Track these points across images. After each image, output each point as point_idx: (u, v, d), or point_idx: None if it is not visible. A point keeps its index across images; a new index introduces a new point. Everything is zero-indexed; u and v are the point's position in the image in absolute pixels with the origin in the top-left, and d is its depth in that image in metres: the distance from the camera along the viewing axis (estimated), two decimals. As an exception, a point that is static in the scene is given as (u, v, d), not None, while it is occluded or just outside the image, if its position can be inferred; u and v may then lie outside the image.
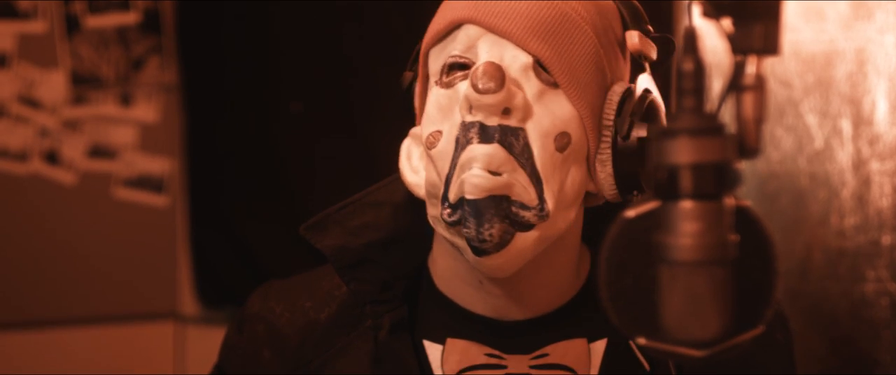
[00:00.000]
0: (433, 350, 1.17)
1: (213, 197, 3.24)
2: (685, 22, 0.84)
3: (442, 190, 1.08)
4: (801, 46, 1.99)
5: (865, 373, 1.93)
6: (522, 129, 1.06)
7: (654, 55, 1.15)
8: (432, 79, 1.14)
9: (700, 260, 0.81)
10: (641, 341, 0.87)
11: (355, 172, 3.05)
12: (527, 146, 1.06)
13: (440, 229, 1.10)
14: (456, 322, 1.17)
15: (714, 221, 0.81)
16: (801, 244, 1.99)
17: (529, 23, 1.08)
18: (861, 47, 1.93)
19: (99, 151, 3.21)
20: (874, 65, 1.91)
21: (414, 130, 1.18)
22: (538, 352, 1.16)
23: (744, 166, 0.84)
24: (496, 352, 1.15)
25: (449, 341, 1.16)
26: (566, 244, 1.15)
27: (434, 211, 1.10)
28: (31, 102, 3.14)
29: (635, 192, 1.10)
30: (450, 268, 1.17)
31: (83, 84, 3.17)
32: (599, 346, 1.18)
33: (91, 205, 3.22)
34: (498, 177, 1.04)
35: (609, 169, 1.09)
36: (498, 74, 1.04)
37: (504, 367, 1.15)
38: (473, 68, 1.06)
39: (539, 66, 1.08)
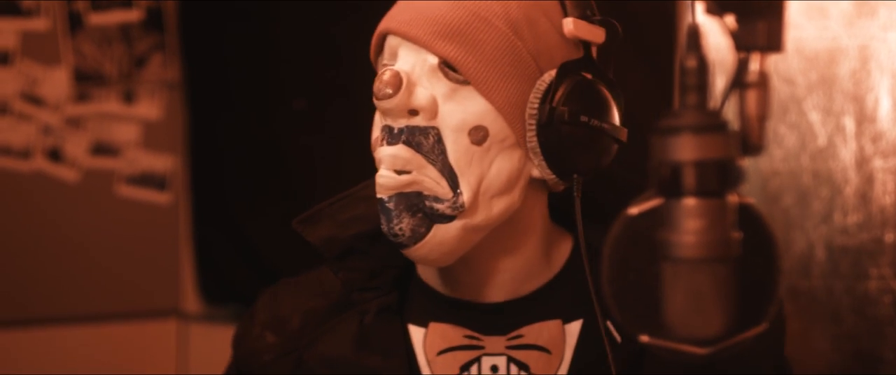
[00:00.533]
0: (417, 334, 1.23)
1: (215, 194, 3.25)
2: (688, 19, 0.84)
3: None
4: (804, 43, 1.98)
5: (868, 371, 1.93)
6: (433, 128, 1.13)
7: (598, 39, 1.18)
8: None
9: (703, 258, 0.81)
10: (644, 338, 0.87)
11: (358, 169, 3.05)
12: (439, 143, 1.13)
13: None
14: (437, 306, 1.23)
15: (717, 218, 0.81)
16: (804, 241, 1.99)
17: (435, 27, 1.14)
18: (864, 44, 1.93)
19: (102, 149, 3.21)
20: (877, 63, 1.91)
21: None
22: (514, 333, 1.20)
23: (747, 163, 0.84)
24: (474, 334, 1.21)
25: (431, 324, 1.23)
26: (521, 229, 1.20)
27: None
28: (34, 100, 3.14)
29: (575, 175, 1.15)
30: None
31: (86, 81, 3.17)
32: (574, 327, 1.22)
33: (94, 203, 3.22)
34: (402, 176, 1.13)
35: (541, 155, 1.14)
36: (394, 81, 1.12)
37: (481, 348, 1.20)
38: (377, 77, 1.14)
39: (447, 67, 1.14)
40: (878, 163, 1.90)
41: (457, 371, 1.21)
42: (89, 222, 3.23)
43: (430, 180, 1.13)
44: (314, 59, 3.00)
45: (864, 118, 1.92)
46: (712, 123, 0.81)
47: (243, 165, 3.19)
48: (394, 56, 1.19)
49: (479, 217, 1.14)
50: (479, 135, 1.13)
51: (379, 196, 1.15)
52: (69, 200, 3.20)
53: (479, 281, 1.22)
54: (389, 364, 1.22)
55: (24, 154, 3.15)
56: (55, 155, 3.17)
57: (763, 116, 0.85)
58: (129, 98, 3.22)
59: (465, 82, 1.14)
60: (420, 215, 1.13)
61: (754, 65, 0.85)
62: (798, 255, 1.99)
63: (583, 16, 1.18)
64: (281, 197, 3.10)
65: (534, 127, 1.14)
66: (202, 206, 3.28)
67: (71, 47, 3.15)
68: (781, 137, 2.01)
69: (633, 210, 0.86)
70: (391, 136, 1.15)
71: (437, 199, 1.13)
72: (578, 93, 1.14)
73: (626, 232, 0.87)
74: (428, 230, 1.13)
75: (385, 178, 1.14)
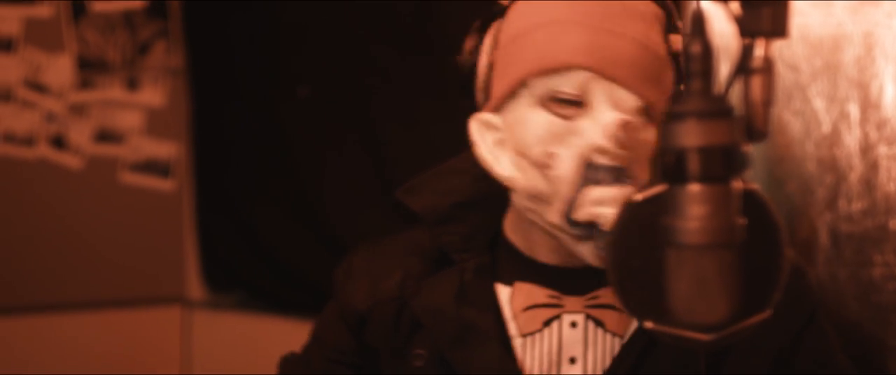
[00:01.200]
0: (503, 292, 1.37)
1: (219, 181, 3.25)
2: (693, 4, 0.84)
3: (563, 208, 1.26)
4: (808, 30, 1.98)
5: (873, 358, 1.93)
6: (632, 161, 1.24)
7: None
8: (531, 97, 1.28)
9: (708, 244, 0.81)
10: (649, 324, 0.87)
11: (363, 157, 3.05)
12: (640, 176, 1.24)
13: (552, 228, 1.28)
14: (523, 268, 1.37)
15: (722, 204, 0.81)
16: (808, 228, 1.99)
17: (638, 71, 1.24)
18: (869, 31, 1.92)
19: (105, 136, 3.21)
20: (882, 49, 1.90)
21: (483, 117, 1.33)
22: (591, 294, 1.34)
23: (751, 149, 0.84)
24: (556, 293, 1.34)
25: (516, 284, 1.36)
26: None
27: (550, 217, 1.27)
28: (38, 87, 3.14)
29: None
30: (527, 230, 1.36)
31: (89, 68, 3.17)
32: None
33: (98, 190, 3.22)
34: None
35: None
36: (631, 132, 1.22)
37: (561, 306, 1.34)
38: (606, 122, 1.23)
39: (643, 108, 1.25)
40: (882, 149, 1.90)
41: (539, 326, 1.33)
42: (93, 209, 3.23)
43: None
44: (319, 46, 3.00)
45: (869, 105, 1.91)
46: (717, 109, 0.81)
47: (247, 152, 3.18)
48: (583, 89, 1.26)
49: None
50: (656, 164, 1.24)
51: (603, 228, 1.23)
52: (73, 187, 3.20)
53: (563, 250, 1.32)
54: (483, 317, 1.35)
55: (28, 141, 3.14)
56: (59, 142, 3.17)
57: (768, 102, 0.85)
58: (132, 85, 3.22)
59: (651, 119, 1.25)
60: None
61: (759, 51, 0.85)
62: (802, 242, 1.99)
63: (677, 29, 1.30)
64: (285, 184, 3.10)
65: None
66: (206, 193, 3.28)
67: (74, 34, 3.15)
68: (785, 124, 2.00)
69: (638, 196, 0.86)
70: (614, 178, 1.24)
71: None
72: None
73: (631, 218, 0.87)
74: None
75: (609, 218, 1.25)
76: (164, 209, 3.29)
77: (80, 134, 3.19)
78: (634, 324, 1.31)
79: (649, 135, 1.25)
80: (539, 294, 1.35)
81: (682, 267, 0.81)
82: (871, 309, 1.92)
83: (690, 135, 0.81)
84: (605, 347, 1.33)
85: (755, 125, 0.85)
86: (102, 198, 3.23)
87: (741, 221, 0.82)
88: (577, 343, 1.33)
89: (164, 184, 3.28)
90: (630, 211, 0.87)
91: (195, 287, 3.31)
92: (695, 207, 0.80)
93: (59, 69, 3.14)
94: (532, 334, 1.34)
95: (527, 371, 1.34)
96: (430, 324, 1.38)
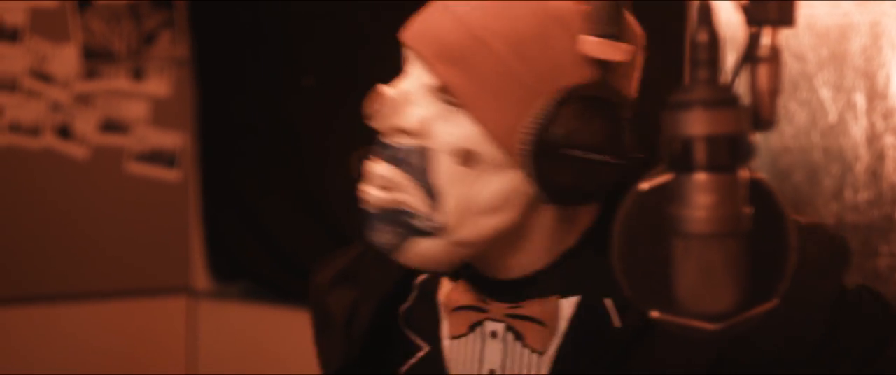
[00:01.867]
0: (446, 285, 1.29)
1: (225, 171, 3.25)
2: (700, -7, 0.84)
3: None
4: (815, 20, 1.98)
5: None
6: (421, 147, 1.16)
7: (617, 57, 1.15)
8: None
9: (714, 233, 0.80)
10: (655, 314, 0.87)
11: (368, 147, 3.05)
12: (424, 162, 1.16)
13: None
14: (466, 266, 1.26)
15: (728, 193, 0.81)
16: (814, 218, 1.99)
17: (437, 48, 1.16)
18: (876, 21, 1.92)
19: (111, 125, 3.21)
20: (889, 39, 1.90)
21: None
22: (516, 303, 1.24)
23: (757, 139, 0.84)
24: (482, 297, 1.25)
25: (461, 280, 1.27)
26: (525, 238, 1.22)
27: None
28: (44, 77, 3.14)
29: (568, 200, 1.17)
30: None
31: (95, 58, 3.17)
32: (570, 302, 1.24)
33: (103, 180, 3.23)
34: (384, 194, 1.16)
35: (532, 179, 1.14)
36: (382, 103, 1.17)
37: (486, 311, 1.25)
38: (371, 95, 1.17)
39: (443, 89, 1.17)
40: (888, 139, 1.89)
41: (465, 330, 1.26)
42: (98, 199, 3.23)
43: (411, 198, 1.16)
44: (325, 35, 3.00)
45: (875, 94, 1.91)
46: (723, 98, 0.81)
47: (253, 142, 3.19)
48: (408, 63, 1.21)
49: (466, 234, 1.18)
50: (467, 157, 1.15)
51: (364, 208, 1.19)
52: (78, 177, 3.20)
53: (492, 268, 1.25)
54: (363, 301, 1.31)
55: (34, 131, 3.15)
56: (64, 132, 3.17)
57: (774, 91, 0.85)
58: (138, 75, 3.22)
59: (458, 104, 1.16)
60: (399, 229, 1.17)
61: (766, 39, 0.85)
62: (808, 232, 1.99)
63: (605, 32, 1.14)
64: (290, 173, 3.10)
65: (524, 153, 1.13)
66: (212, 183, 3.28)
67: (80, 24, 3.15)
68: (792, 114, 2.00)
69: (644, 185, 0.86)
70: (380, 152, 1.19)
71: (418, 216, 1.16)
72: (573, 123, 1.13)
73: (637, 207, 0.87)
74: (402, 242, 1.17)
75: (369, 195, 1.18)
76: (169, 199, 3.29)
77: (86, 124, 3.19)
78: (556, 342, 1.22)
79: (443, 115, 1.16)
80: (470, 296, 1.26)
81: (688, 256, 0.81)
82: (877, 299, 1.92)
83: (697, 124, 0.81)
84: (522, 363, 1.23)
85: (762, 114, 0.84)
86: (108, 188, 3.24)
87: (747, 210, 0.82)
88: (496, 354, 1.24)
89: (169, 174, 3.28)
90: (636, 200, 0.86)
91: (201, 277, 3.31)
92: (701, 196, 0.80)
93: (65, 59, 3.15)
94: (459, 337, 1.26)
95: None
96: (311, 306, 1.34)
